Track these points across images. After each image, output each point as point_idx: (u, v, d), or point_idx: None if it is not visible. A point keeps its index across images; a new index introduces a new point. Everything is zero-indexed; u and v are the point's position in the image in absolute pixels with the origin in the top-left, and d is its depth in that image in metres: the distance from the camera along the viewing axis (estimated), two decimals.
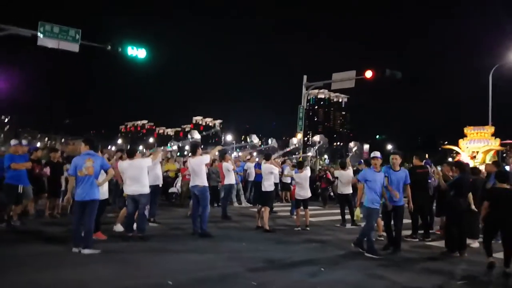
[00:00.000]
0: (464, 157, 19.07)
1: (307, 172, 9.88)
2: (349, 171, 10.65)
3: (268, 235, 8.81)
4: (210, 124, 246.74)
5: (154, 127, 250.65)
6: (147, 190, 7.87)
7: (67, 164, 10.58)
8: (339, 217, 11.30)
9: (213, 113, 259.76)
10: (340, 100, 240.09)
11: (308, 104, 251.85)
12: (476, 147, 19.77)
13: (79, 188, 6.73)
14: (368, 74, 17.89)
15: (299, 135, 21.13)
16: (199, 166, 8.46)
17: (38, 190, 9.65)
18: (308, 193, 9.80)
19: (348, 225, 10.41)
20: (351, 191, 10.57)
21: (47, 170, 9.83)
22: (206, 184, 8.53)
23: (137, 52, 16.48)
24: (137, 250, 6.90)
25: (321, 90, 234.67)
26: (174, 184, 14.34)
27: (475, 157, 18.80)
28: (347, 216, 10.59)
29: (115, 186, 10.10)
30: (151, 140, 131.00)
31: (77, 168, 6.75)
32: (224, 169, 11.68)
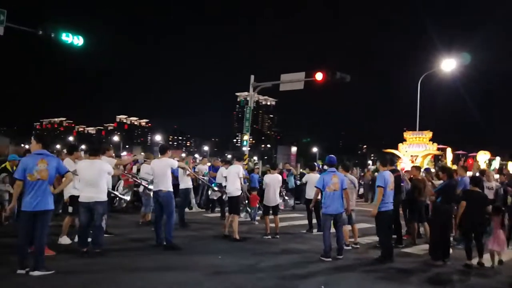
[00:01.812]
0: (405, 161, 19.80)
1: (278, 175, 9.25)
2: (318, 175, 10.18)
3: (240, 245, 8.03)
4: (136, 124, 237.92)
5: (73, 125, 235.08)
6: (104, 197, 6.69)
7: None
8: (301, 222, 10.89)
9: (139, 112, 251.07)
10: (269, 103, 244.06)
11: (237, 106, 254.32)
12: (415, 152, 20.65)
13: (28, 196, 5.46)
14: (319, 76, 17.63)
15: (246, 136, 20.50)
16: (164, 169, 7.48)
17: None
18: (278, 198, 9.17)
19: (315, 231, 9.93)
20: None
21: None
22: (171, 189, 7.57)
23: (73, 39, 14.69)
24: (101, 269, 5.76)
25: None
26: (116, 188, 12.99)
27: (413, 161, 19.57)
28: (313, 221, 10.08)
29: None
30: (70, 138, 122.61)
31: (26, 170, 5.47)
32: (180, 172, 10.64)
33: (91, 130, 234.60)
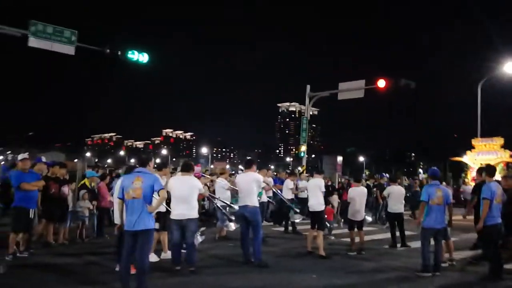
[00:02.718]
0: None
1: (363, 188, 8.80)
2: (401, 188, 9.65)
3: (328, 262, 7.65)
4: (181, 137, 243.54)
5: (122, 140, 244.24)
6: (196, 214, 6.57)
7: None
8: (380, 237, 10.41)
9: (184, 126, 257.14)
10: (311, 113, 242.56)
11: (279, 117, 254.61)
12: (486, 159, 19.41)
13: (127, 215, 5.42)
14: (381, 83, 17.04)
15: (303, 147, 20.15)
16: (250, 184, 7.29)
17: (62, 214, 8.24)
18: (362, 213, 8.71)
19: (398, 246, 9.35)
20: (403, 210, 9.56)
21: (65, 189, 8.36)
22: (257, 204, 7.37)
23: (139, 57, 15.07)
24: None
25: (292, 103, 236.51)
26: None
27: None
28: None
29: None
30: (122, 153, 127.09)
31: (124, 189, 5.43)
32: None
33: (139, 144, 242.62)
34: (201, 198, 12.02)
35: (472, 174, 18.75)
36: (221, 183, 9.44)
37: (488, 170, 7.17)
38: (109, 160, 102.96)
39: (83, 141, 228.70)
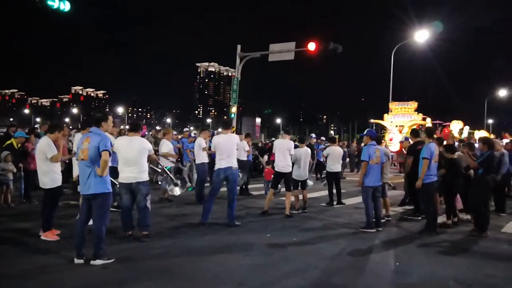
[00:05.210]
0: (394, 131, 20.16)
1: (307, 149, 8.98)
2: (340, 148, 10.05)
3: (278, 222, 7.82)
4: (92, 95, 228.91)
5: (26, 97, 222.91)
6: (146, 177, 6.22)
7: None
8: (315, 195, 10.86)
9: (95, 83, 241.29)
10: (230, 74, 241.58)
11: (198, 77, 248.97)
12: (401, 122, 21.02)
13: (80, 177, 5.05)
14: (311, 46, 17.29)
15: (234, 108, 20.01)
16: (232, 146, 7.25)
17: None
18: (307, 173, 8.96)
19: (334, 203, 9.88)
20: (340, 169, 10.03)
21: None
22: (237, 166, 7.39)
23: (60, 4, 13.47)
24: (161, 253, 5.40)
25: (211, 63, 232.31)
26: None
27: (401, 131, 19.97)
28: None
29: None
30: (26, 111, 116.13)
31: (77, 151, 5.05)
32: (196, 146, 10.12)
33: (45, 102, 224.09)
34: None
35: (389, 135, 20.24)
36: (166, 146, 9.06)
37: (427, 131, 7.66)
38: (11, 119, 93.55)
39: None
